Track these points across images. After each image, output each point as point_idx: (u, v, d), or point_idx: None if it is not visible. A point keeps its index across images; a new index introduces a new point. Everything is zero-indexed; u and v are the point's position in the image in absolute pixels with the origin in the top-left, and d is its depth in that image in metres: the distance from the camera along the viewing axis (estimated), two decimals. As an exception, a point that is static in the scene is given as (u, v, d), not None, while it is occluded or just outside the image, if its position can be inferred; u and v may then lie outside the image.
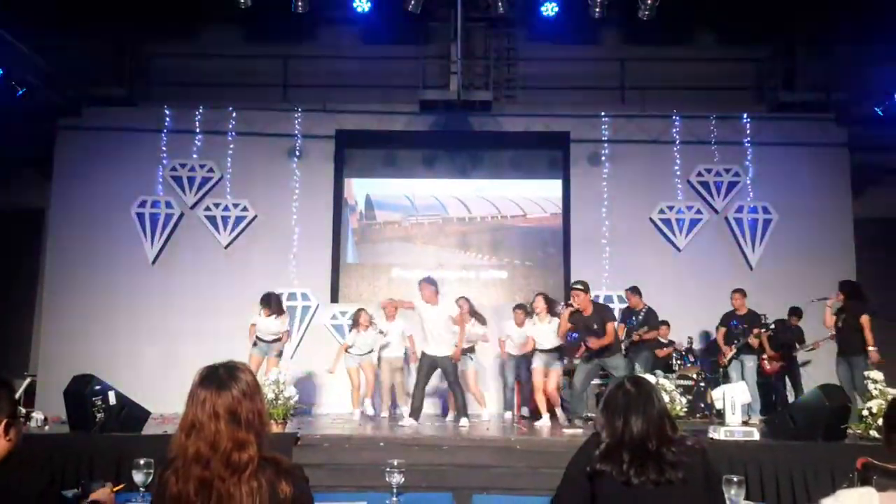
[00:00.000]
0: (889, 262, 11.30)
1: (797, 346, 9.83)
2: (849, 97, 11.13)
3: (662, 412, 2.66)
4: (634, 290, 9.96)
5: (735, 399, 6.73)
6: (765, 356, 9.33)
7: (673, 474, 2.52)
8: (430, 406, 10.43)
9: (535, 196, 12.10)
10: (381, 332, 9.68)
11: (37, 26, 9.88)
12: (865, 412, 6.58)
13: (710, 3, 11.31)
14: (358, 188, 12.11)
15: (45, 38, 10.17)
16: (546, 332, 8.74)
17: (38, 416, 7.59)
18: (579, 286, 8.25)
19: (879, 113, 10.53)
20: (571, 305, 8.18)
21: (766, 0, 11.10)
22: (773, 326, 9.35)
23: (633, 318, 9.76)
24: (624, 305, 10.24)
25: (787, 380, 9.85)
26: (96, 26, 11.12)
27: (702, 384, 9.64)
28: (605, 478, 2.56)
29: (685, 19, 11.44)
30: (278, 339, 9.32)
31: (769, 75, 11.90)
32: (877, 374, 6.85)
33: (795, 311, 9.95)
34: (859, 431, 6.59)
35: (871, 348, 8.27)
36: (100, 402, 6.41)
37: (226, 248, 11.34)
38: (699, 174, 11.46)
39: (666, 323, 10.06)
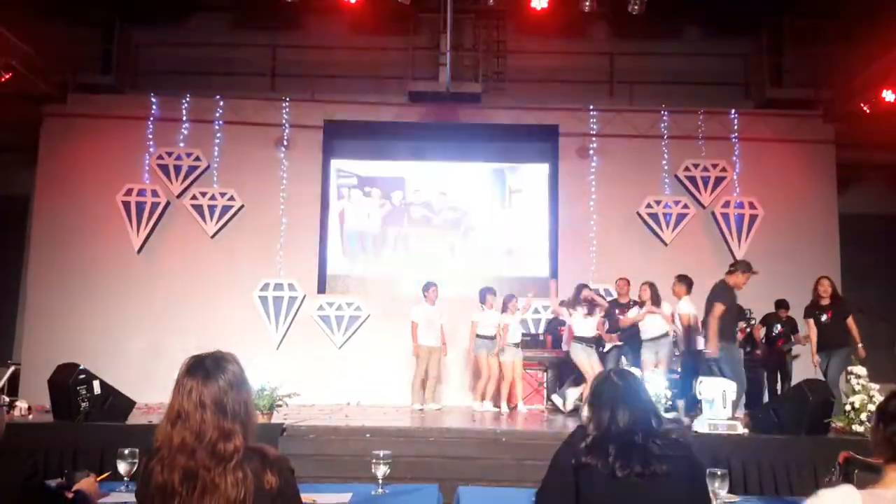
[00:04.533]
0: (873, 259, 11.39)
1: (791, 338, 9.83)
2: (835, 94, 11.19)
3: (648, 405, 2.68)
4: (627, 282, 9.84)
5: (726, 392, 6.74)
6: (758, 351, 9.33)
7: (658, 467, 2.53)
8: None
9: (524, 187, 12.11)
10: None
11: (22, 12, 9.78)
12: (848, 407, 6.63)
13: (699, -1, 11.35)
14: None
15: (31, 23, 10.07)
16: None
17: (21, 405, 7.56)
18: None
19: (865, 110, 10.58)
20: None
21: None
22: (753, 322, 9.37)
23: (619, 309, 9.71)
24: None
25: (778, 373, 9.89)
26: (82, 12, 11.03)
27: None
28: (590, 470, 2.57)
29: (674, 14, 11.47)
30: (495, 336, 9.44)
31: (756, 71, 11.97)
32: (860, 370, 6.91)
33: (783, 304, 9.98)
34: (842, 425, 6.65)
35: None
36: (84, 392, 6.38)
37: (212, 237, 11.28)
38: (686, 169, 11.50)
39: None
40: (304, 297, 11.15)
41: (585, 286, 9.31)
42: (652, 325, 8.69)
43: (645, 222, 11.41)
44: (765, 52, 11.79)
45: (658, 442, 2.58)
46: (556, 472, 2.69)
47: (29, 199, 11.45)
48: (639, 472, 2.52)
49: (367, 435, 6.84)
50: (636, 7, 9.79)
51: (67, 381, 6.39)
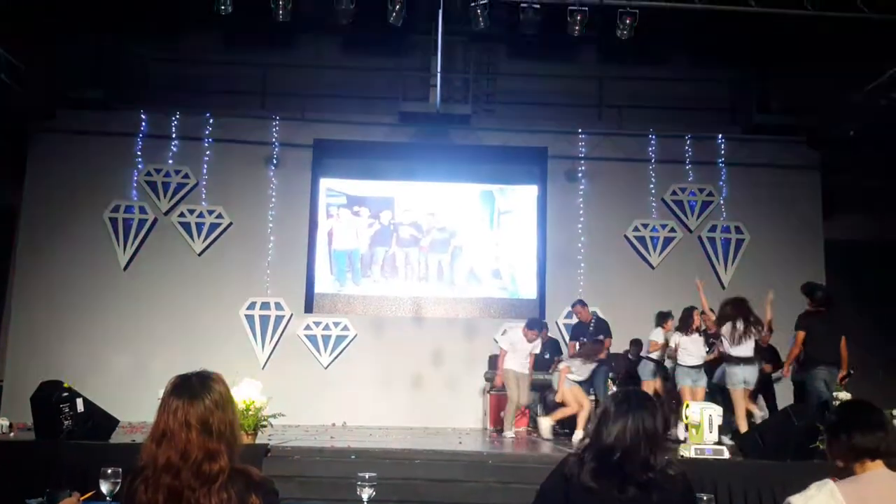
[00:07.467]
0: (858, 285, 11.45)
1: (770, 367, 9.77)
2: (820, 120, 11.31)
3: (652, 430, 2.64)
4: (584, 304, 10.00)
5: (713, 417, 6.72)
6: None
7: (652, 493, 2.52)
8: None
9: (512, 209, 12.16)
10: None
11: (11, 26, 9.75)
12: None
13: (687, 25, 11.47)
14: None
15: (20, 38, 10.05)
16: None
17: (3, 422, 7.46)
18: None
19: (851, 136, 10.69)
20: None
21: (740, 23, 11.26)
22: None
23: (586, 331, 9.75)
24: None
25: (762, 398, 9.85)
26: (73, 28, 11.01)
27: (674, 402, 9.65)
28: (584, 493, 2.55)
29: (662, 40, 11.58)
30: None
31: (743, 97, 12.08)
32: (844, 395, 6.94)
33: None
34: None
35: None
36: (67, 410, 6.30)
37: (199, 255, 11.23)
38: (673, 193, 11.58)
39: (639, 342, 10.11)
40: (290, 317, 11.11)
41: (694, 309, 8.60)
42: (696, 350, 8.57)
43: (632, 245, 11.46)
44: (751, 77, 11.92)
45: (655, 467, 2.57)
46: (545, 497, 2.68)
47: (15, 214, 11.36)
48: (632, 496, 2.51)
49: (353, 456, 6.78)
50: (625, 32, 9.89)
51: (50, 398, 6.32)
